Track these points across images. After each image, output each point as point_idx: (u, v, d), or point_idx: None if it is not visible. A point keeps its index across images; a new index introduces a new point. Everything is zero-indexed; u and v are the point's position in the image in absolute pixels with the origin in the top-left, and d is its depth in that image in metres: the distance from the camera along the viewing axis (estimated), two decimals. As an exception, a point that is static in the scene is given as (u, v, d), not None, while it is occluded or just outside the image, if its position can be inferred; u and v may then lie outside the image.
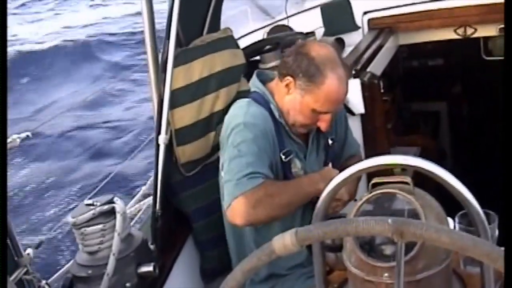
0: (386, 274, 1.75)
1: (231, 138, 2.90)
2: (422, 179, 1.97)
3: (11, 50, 17.82)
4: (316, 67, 2.86)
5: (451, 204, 1.92)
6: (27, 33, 23.38)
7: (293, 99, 2.96)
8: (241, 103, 3.06)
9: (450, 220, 2.13)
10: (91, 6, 28.72)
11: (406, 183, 1.87)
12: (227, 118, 3.07)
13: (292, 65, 2.93)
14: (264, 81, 3.15)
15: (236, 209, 2.75)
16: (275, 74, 3.14)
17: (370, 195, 1.88)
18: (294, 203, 2.91)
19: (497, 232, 2.18)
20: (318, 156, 3.24)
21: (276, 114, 3.01)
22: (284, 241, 1.43)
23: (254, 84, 3.15)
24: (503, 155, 1.58)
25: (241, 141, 2.86)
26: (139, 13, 3.02)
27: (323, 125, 2.99)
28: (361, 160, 1.95)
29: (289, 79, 2.95)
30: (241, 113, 2.97)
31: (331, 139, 3.26)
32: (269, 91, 3.08)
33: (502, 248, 1.31)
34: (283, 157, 2.99)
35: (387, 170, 1.98)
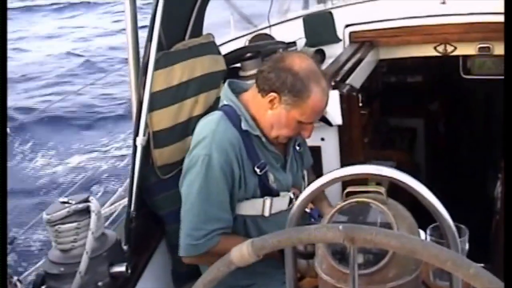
0: (356, 282, 1.77)
1: (193, 166, 2.91)
2: (396, 193, 2.00)
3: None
4: (302, 82, 2.85)
5: (423, 217, 1.95)
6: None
7: (277, 114, 2.94)
8: (212, 118, 3.00)
9: (421, 232, 2.16)
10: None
11: (380, 193, 1.90)
12: (196, 131, 3.04)
13: (275, 82, 2.89)
14: (236, 91, 3.10)
15: (190, 261, 3.01)
16: (248, 84, 3.13)
17: (344, 203, 1.91)
18: None
19: (467, 246, 2.21)
20: (297, 162, 3.27)
21: (249, 127, 2.98)
22: (241, 252, 1.46)
23: (227, 95, 3.09)
24: (504, 155, 1.61)
25: (201, 182, 2.87)
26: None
27: (306, 134, 3.02)
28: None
29: (273, 95, 2.91)
30: (209, 132, 2.93)
31: (298, 145, 3.29)
32: (243, 103, 3.03)
33: (449, 250, 1.34)
34: (257, 170, 2.98)
35: (361, 181, 2.00)
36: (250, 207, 3.03)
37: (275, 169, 3.09)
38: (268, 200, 3.03)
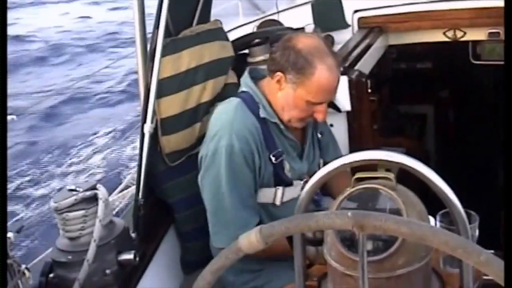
0: (365, 269, 1.76)
1: (215, 159, 2.91)
2: (405, 179, 1.98)
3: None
4: (304, 58, 2.85)
5: (433, 203, 1.93)
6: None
7: (285, 95, 2.95)
8: (229, 106, 3.01)
9: (431, 218, 2.14)
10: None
11: (389, 179, 1.88)
12: (213, 119, 3.05)
13: (280, 60, 2.92)
14: (256, 78, 3.12)
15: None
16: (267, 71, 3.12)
17: (353, 189, 1.89)
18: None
19: (477, 232, 2.19)
20: (315, 152, 3.27)
21: (267, 115, 2.99)
22: (250, 239, 1.45)
23: (246, 82, 3.12)
24: (505, 157, 1.59)
25: (228, 173, 2.88)
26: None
27: (319, 116, 2.99)
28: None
29: (279, 74, 2.93)
30: (227, 122, 2.93)
31: (320, 133, 3.29)
32: (261, 90, 3.05)
33: (459, 237, 1.32)
34: (273, 158, 2.98)
35: (371, 168, 1.99)
36: (262, 196, 3.04)
37: (291, 157, 3.09)
38: (280, 190, 3.03)
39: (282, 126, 3.03)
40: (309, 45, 2.89)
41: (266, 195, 3.05)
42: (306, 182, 3.02)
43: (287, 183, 3.06)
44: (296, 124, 3.05)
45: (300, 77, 2.87)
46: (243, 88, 3.11)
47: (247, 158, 2.89)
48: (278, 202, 3.05)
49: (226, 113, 2.98)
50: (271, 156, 2.98)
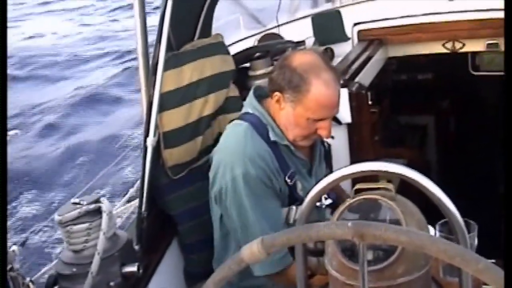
0: (366, 279, 1.78)
1: (233, 189, 2.87)
2: (407, 190, 2.00)
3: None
4: (299, 75, 2.82)
5: (433, 213, 1.95)
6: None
7: (286, 114, 2.92)
8: (239, 131, 2.96)
9: (431, 228, 2.17)
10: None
11: (389, 190, 1.90)
12: (222, 144, 3.02)
13: (277, 80, 2.90)
14: (261, 97, 3.08)
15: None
16: None
17: (353, 200, 1.91)
18: None
19: (476, 241, 2.21)
20: (321, 165, 3.25)
21: (277, 138, 2.96)
22: (252, 249, 1.47)
23: (251, 103, 3.06)
24: (505, 159, 1.61)
25: (250, 201, 2.86)
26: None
27: (323, 132, 2.94)
28: None
29: (277, 94, 2.91)
30: (238, 149, 2.90)
31: (328, 144, 3.30)
32: (267, 110, 3.01)
33: (457, 245, 1.34)
34: (288, 181, 2.97)
35: (371, 179, 2.01)
36: None
37: (302, 176, 3.08)
38: (293, 209, 3.00)
39: (292, 147, 3.00)
40: (304, 62, 2.87)
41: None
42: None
43: (300, 203, 3.04)
44: (302, 142, 3.01)
45: (297, 95, 2.84)
46: (248, 109, 3.05)
47: (266, 183, 2.87)
48: (291, 221, 3.00)
49: (236, 140, 2.95)
50: (286, 179, 2.96)
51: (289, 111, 2.91)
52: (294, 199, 3.01)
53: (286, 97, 2.89)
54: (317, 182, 1.96)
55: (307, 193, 3.01)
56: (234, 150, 2.92)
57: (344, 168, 1.88)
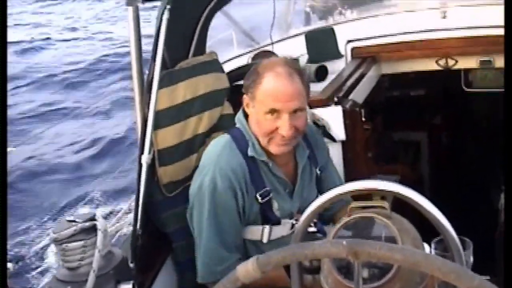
0: (361, 296, 1.78)
1: (199, 193, 2.94)
2: (401, 207, 2.01)
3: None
4: (257, 73, 2.88)
5: (429, 230, 1.96)
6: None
7: (252, 117, 2.97)
8: (219, 142, 3.02)
9: (426, 245, 2.17)
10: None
11: (384, 208, 1.91)
12: (204, 154, 3.07)
13: (244, 84, 2.97)
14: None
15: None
16: None
17: (348, 219, 1.92)
18: None
19: (472, 259, 2.21)
20: (311, 189, 3.23)
21: (255, 153, 2.97)
22: (247, 268, 1.48)
23: (239, 118, 3.10)
24: (504, 164, 1.62)
25: (209, 209, 2.91)
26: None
27: (281, 128, 2.86)
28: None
29: (245, 97, 2.98)
30: (212, 159, 2.95)
31: (319, 169, 3.28)
32: (250, 124, 3.03)
33: (452, 263, 1.35)
34: (259, 198, 2.97)
35: (366, 196, 2.02)
36: (249, 233, 3.05)
37: (280, 196, 3.06)
38: (266, 228, 3.02)
39: (270, 164, 3.00)
40: (265, 62, 2.92)
41: (253, 232, 3.04)
42: (297, 220, 2.97)
43: (275, 222, 3.03)
44: (274, 148, 2.95)
45: (253, 90, 2.88)
46: (237, 123, 3.10)
47: (229, 196, 2.89)
48: (265, 240, 3.03)
49: (214, 150, 3.00)
50: (257, 196, 2.96)
51: (252, 112, 2.96)
52: (268, 218, 3.02)
53: (249, 97, 2.94)
54: (311, 202, 1.96)
55: (295, 218, 3.05)
56: (208, 159, 2.97)
57: (339, 187, 1.89)
